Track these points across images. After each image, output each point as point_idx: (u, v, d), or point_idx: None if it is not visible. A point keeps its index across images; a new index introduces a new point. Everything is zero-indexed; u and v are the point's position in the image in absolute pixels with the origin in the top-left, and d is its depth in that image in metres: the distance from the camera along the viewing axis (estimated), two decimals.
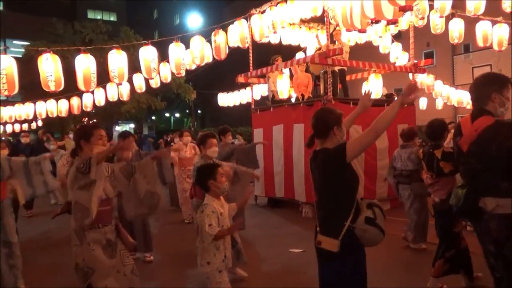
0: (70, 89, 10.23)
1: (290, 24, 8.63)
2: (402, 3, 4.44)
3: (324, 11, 6.53)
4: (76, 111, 10.69)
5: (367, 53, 10.42)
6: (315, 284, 4.03)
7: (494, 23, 6.95)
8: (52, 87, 5.67)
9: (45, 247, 5.70)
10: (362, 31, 5.62)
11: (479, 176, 2.25)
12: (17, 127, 16.38)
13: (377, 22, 5.06)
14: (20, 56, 17.27)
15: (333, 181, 2.25)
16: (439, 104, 12.24)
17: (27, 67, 12.75)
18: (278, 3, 6.70)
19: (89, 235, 2.70)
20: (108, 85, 9.29)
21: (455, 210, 2.40)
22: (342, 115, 2.44)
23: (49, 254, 5.32)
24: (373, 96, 7.77)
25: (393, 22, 5.19)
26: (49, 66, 5.69)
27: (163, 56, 7.66)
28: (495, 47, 7.01)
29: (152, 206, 2.94)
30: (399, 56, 9.36)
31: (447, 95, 11.48)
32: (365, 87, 8.20)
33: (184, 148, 7.14)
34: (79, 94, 10.06)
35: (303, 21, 8.06)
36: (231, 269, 3.62)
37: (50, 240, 6.05)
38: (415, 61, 8.48)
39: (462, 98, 12.02)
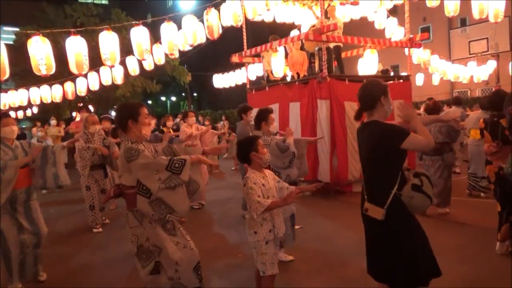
0: (64, 74, 10.14)
1: (284, 1, 8.49)
2: None
3: None
4: (70, 96, 10.61)
5: (362, 30, 10.30)
6: (312, 259, 4.12)
7: None
8: (44, 71, 5.60)
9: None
10: (354, 3, 5.53)
11: None
12: (12, 115, 16.29)
13: None
14: (12, 42, 17.02)
15: (382, 154, 2.34)
16: (435, 80, 12.20)
17: (19, 54, 12.57)
18: None
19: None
20: (102, 69, 9.19)
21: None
22: (388, 86, 2.53)
23: (54, 243, 5.32)
24: (368, 72, 7.78)
25: None
26: (39, 50, 5.61)
27: (156, 38, 7.56)
28: (491, 19, 6.92)
29: (191, 192, 2.74)
30: (395, 32, 9.25)
31: (443, 71, 11.42)
32: (361, 63, 8.13)
33: (194, 134, 6.57)
34: (73, 79, 9.97)
35: None
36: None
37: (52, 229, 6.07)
38: (411, 36, 8.39)
39: (459, 73, 11.97)
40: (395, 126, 2.36)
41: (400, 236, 2.33)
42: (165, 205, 2.53)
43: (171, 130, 7.67)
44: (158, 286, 2.68)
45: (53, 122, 12.08)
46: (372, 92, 2.45)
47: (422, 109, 9.04)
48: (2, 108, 12.05)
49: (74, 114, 15.02)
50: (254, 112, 8.31)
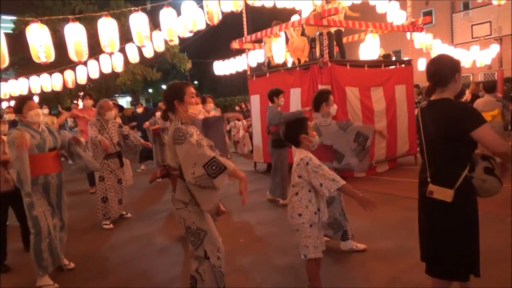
0: (63, 63, 10.11)
1: None
2: None
3: None
4: (70, 85, 10.58)
5: (363, 14, 10.17)
6: None
7: None
8: (43, 58, 5.58)
9: None
10: None
11: None
12: (13, 104, 16.29)
13: None
14: (10, 31, 16.93)
15: (453, 134, 2.20)
16: None
17: (18, 42, 12.50)
18: None
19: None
20: (101, 57, 9.15)
21: None
22: (460, 62, 2.39)
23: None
24: (370, 57, 7.72)
25: None
26: (38, 37, 5.57)
27: (155, 25, 7.50)
28: (494, 2, 6.84)
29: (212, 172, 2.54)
30: (397, 16, 9.13)
31: None
32: (362, 48, 8.06)
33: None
34: (73, 67, 9.94)
35: None
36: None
37: None
38: (413, 20, 8.29)
39: (461, 57, 11.86)
40: (470, 109, 2.22)
41: (464, 223, 2.23)
42: (196, 200, 2.48)
43: None
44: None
45: (45, 111, 11.92)
46: (446, 68, 2.29)
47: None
48: (2, 97, 12.05)
49: (75, 102, 14.96)
50: (254, 99, 8.37)
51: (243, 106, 10.88)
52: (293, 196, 2.75)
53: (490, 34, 14.57)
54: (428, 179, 2.29)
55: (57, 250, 3.61)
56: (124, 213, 5.54)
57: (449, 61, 2.32)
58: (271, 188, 5.86)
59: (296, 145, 2.78)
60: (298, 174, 2.70)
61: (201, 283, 2.59)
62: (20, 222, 4.15)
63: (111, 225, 5.16)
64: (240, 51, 9.86)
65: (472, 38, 14.96)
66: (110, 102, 5.37)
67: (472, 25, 15.38)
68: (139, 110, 10.80)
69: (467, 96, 9.42)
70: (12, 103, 15.49)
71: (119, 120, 5.72)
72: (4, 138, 3.86)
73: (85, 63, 9.14)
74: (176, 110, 2.54)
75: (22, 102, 3.54)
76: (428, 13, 17.64)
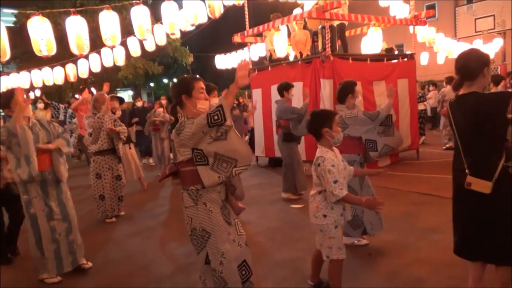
0: (65, 56, 10.09)
1: None
2: None
3: None
4: (72, 78, 10.56)
5: (366, 8, 10.12)
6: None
7: None
8: (45, 52, 5.56)
9: None
10: None
11: None
12: None
13: None
14: (12, 24, 16.89)
15: (486, 124, 2.23)
16: (440, 59, 12.03)
17: (19, 36, 12.46)
18: None
19: (204, 194, 2.39)
20: (103, 50, 9.12)
21: None
22: (489, 56, 2.43)
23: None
24: (372, 51, 7.68)
25: None
26: (40, 30, 5.55)
27: (157, 19, 7.47)
28: None
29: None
30: (400, 9, 9.07)
31: (449, 49, 11.24)
32: (365, 42, 8.02)
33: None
34: (74, 60, 9.92)
35: None
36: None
37: None
38: (416, 13, 8.23)
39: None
40: (500, 92, 2.30)
41: (506, 211, 2.24)
42: (226, 159, 2.33)
43: None
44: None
45: (40, 105, 11.85)
46: (475, 62, 2.31)
47: (448, 86, 9.11)
48: (4, 91, 12.03)
49: (76, 96, 14.95)
50: (256, 93, 8.35)
51: (241, 100, 10.82)
52: (315, 195, 2.67)
53: (494, 28, 14.46)
54: (466, 171, 2.30)
55: (67, 255, 3.52)
56: (122, 213, 5.38)
57: (478, 56, 2.35)
58: (284, 187, 5.68)
59: (317, 138, 2.69)
60: (316, 173, 2.63)
61: None
62: (10, 222, 4.01)
63: (113, 219, 5.16)
64: (242, 45, 9.82)
65: (476, 32, 14.85)
66: (106, 96, 5.23)
67: (475, 19, 15.26)
68: (139, 104, 10.77)
69: None
70: None
71: (119, 114, 5.64)
72: None
73: (86, 57, 9.11)
74: (184, 105, 2.48)
75: (9, 96, 3.38)
76: (431, 7, 17.49)
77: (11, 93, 3.41)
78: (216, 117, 2.25)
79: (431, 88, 11.72)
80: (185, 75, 2.63)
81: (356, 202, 2.60)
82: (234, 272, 2.40)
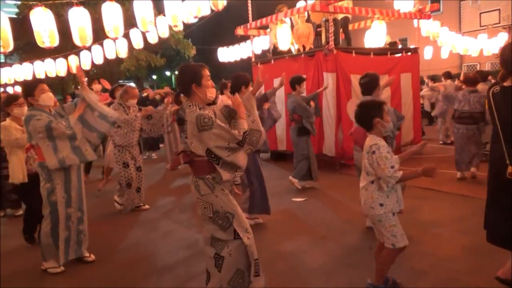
0: (67, 48, 10.07)
1: None
2: None
3: None
4: (74, 70, 10.55)
5: (370, 1, 10.02)
6: (316, 229, 4.19)
7: None
8: (47, 43, 5.55)
9: None
10: None
11: None
12: (18, 89, 16.30)
13: None
14: (14, 16, 16.85)
15: None
16: (444, 53, 11.94)
17: (22, 27, 12.46)
18: None
19: (220, 181, 2.49)
20: (105, 42, 9.09)
21: None
22: None
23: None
24: (376, 45, 7.64)
25: None
26: (42, 21, 5.54)
27: (159, 11, 7.44)
28: None
29: (253, 143, 2.59)
30: (404, 3, 9.00)
31: (453, 44, 11.16)
32: (368, 35, 7.97)
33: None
34: (77, 52, 9.91)
35: None
36: None
37: None
38: (420, 7, 8.17)
39: (468, 46, 11.69)
40: None
41: None
42: (232, 165, 2.46)
43: None
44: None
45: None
46: None
47: (448, 81, 9.11)
48: (7, 82, 12.05)
49: (79, 87, 14.93)
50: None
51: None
52: (368, 185, 2.64)
53: (499, 23, 14.37)
54: (507, 161, 2.35)
55: (74, 243, 3.57)
56: (142, 204, 5.33)
57: None
58: (298, 176, 5.75)
59: (368, 128, 2.68)
60: (368, 162, 2.61)
61: (226, 265, 2.53)
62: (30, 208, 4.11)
63: (121, 206, 5.21)
64: (244, 38, 9.78)
65: (480, 26, 14.75)
66: (136, 91, 5.24)
67: (480, 13, 15.16)
68: (145, 94, 10.73)
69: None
70: (17, 88, 15.59)
71: (137, 108, 5.61)
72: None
73: (89, 48, 9.09)
74: (193, 94, 2.48)
75: (34, 84, 3.49)
76: (436, 0, 17.36)
77: (36, 82, 3.54)
78: (254, 139, 2.55)
79: (430, 83, 11.68)
80: (190, 63, 2.62)
81: (414, 176, 2.57)
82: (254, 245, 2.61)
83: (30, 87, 3.48)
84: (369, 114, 2.64)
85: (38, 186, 3.52)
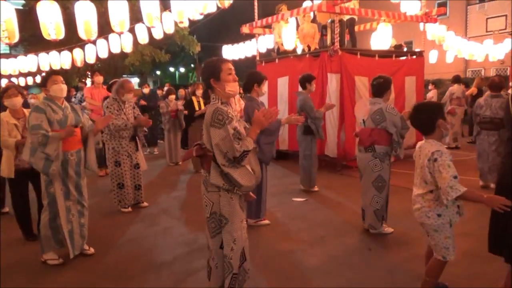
0: (72, 41, 10.07)
1: None
2: None
3: None
4: (79, 63, 10.57)
5: (376, 4, 10.00)
6: (315, 229, 4.19)
7: None
8: (53, 35, 5.56)
9: None
10: None
11: None
12: (21, 81, 16.35)
13: None
14: (21, 7, 16.87)
15: None
16: (449, 57, 11.91)
17: (28, 19, 12.48)
18: None
19: None
20: (111, 37, 9.10)
21: None
22: None
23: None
24: (381, 47, 7.62)
25: None
26: (48, 13, 5.55)
27: (165, 7, 7.44)
28: None
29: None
30: (410, 5, 8.98)
31: (458, 48, 11.13)
32: (374, 37, 7.95)
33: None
34: (82, 45, 9.91)
35: None
36: None
37: None
38: (427, 10, 8.14)
39: (474, 51, 11.66)
40: None
41: None
42: (233, 179, 2.38)
43: (200, 99, 7.03)
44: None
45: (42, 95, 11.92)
46: None
47: (455, 85, 9.13)
48: (12, 73, 12.08)
49: (83, 81, 14.97)
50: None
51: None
52: (425, 194, 2.49)
53: (505, 28, 14.31)
54: None
55: (79, 237, 3.58)
56: (141, 201, 5.21)
57: None
58: (302, 180, 5.74)
59: (428, 131, 2.49)
60: (429, 170, 2.42)
61: (214, 276, 2.57)
62: (38, 199, 4.05)
63: (129, 209, 5.03)
64: (250, 36, 9.77)
65: (486, 31, 14.70)
66: (132, 84, 5.10)
67: (487, 18, 15.11)
68: (146, 91, 10.77)
69: (473, 90, 9.39)
70: (22, 80, 15.62)
71: (134, 99, 5.56)
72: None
73: (94, 42, 9.10)
74: (214, 89, 2.44)
75: (47, 75, 3.52)
76: (443, 4, 17.30)
77: (50, 73, 3.57)
78: (244, 157, 2.35)
79: (430, 86, 11.67)
80: (212, 58, 2.55)
81: (477, 199, 2.31)
82: (238, 259, 2.48)
83: (45, 77, 3.52)
84: (431, 116, 2.47)
85: (26, 182, 3.57)
